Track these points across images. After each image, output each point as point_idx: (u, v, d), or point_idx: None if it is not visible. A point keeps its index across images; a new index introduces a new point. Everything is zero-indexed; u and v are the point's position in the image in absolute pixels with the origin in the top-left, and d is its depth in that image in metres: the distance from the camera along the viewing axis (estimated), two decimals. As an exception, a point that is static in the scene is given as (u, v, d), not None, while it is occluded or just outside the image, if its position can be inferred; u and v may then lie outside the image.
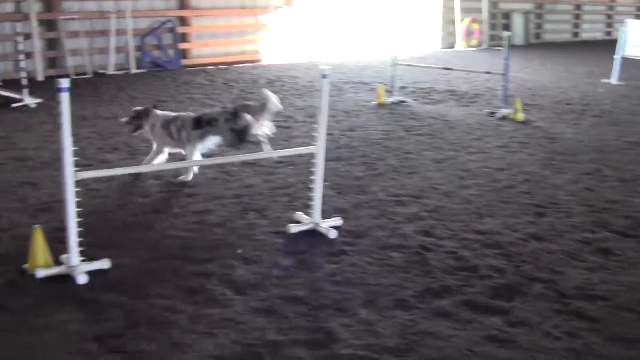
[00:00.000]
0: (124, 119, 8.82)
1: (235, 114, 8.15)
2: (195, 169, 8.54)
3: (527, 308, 5.27)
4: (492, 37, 30.12)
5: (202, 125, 8.22)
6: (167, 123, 8.37)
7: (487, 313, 5.17)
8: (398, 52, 15.78)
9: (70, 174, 5.50)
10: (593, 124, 12.64)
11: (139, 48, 19.38)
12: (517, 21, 31.98)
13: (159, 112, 8.59)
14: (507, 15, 31.83)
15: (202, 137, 8.23)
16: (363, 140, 10.79)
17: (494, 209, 7.58)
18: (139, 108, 8.73)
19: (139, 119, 8.56)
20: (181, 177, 8.39)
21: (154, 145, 8.56)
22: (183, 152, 8.39)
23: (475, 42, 29.48)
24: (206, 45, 21.29)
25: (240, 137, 8.17)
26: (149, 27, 19.75)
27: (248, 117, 8.14)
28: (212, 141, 8.30)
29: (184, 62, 20.33)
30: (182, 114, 8.67)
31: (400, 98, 14.66)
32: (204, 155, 8.36)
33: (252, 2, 22.01)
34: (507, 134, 11.57)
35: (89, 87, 16.04)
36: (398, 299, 5.36)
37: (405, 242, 6.52)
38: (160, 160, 8.46)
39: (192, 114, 8.55)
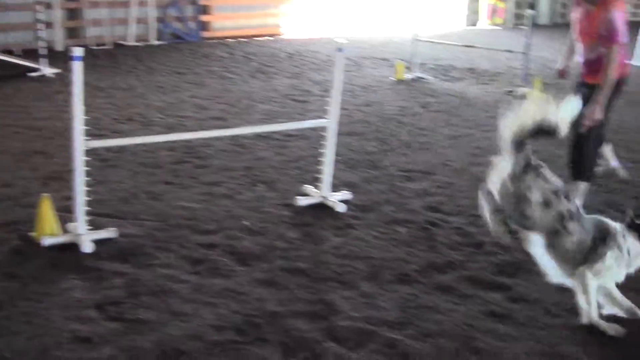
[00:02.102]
0: None
1: None
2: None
3: (529, 285, 5.26)
4: (517, 16, 29.78)
5: None
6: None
7: (488, 289, 5.17)
8: (420, 28, 15.68)
9: (80, 143, 5.51)
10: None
11: (159, 19, 19.34)
12: (543, 0, 31.65)
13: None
14: (532, -6, 31.50)
15: None
16: (378, 115, 10.75)
17: (505, 186, 7.53)
18: None
19: None
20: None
21: None
22: None
23: (499, 21, 29.22)
24: (227, 18, 21.22)
25: None
26: (170, -2, 19.73)
27: None
28: None
29: (205, 34, 20.26)
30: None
31: (419, 75, 14.58)
32: None
33: (275, -24, 21.93)
34: (525, 112, 11.45)
35: (107, 58, 16.04)
36: (401, 273, 5.36)
37: (413, 217, 6.51)
38: None
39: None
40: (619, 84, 6.46)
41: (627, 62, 6.45)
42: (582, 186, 6.68)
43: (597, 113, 6.24)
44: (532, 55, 13.74)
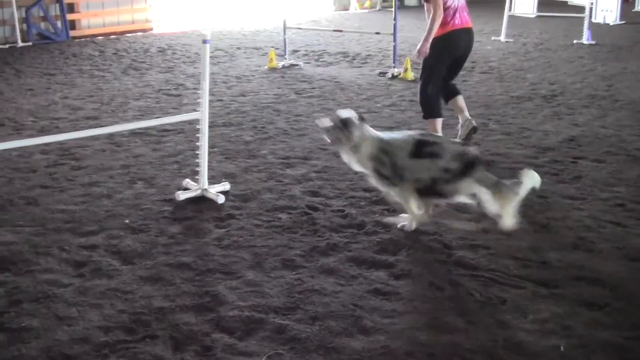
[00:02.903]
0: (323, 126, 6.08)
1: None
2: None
3: (411, 261, 5.41)
4: (385, -2, 30.26)
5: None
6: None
7: (372, 268, 5.28)
8: (290, 16, 15.78)
9: (-55, 152, 5.35)
10: (481, 80, 12.93)
11: (24, 20, 18.79)
12: (410, -19, 32.20)
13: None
14: (399, -24, 31.95)
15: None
16: (254, 104, 10.80)
17: (382, 166, 7.70)
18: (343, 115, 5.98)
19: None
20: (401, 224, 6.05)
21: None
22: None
23: (368, 4, 29.61)
24: (95, 15, 20.80)
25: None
26: (34, -2, 19.17)
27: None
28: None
29: (73, 33, 19.80)
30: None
31: (292, 61, 14.69)
32: None
33: (142, -30, 21.57)
34: (397, 93, 11.74)
35: (-28, 63, 15.53)
36: (285, 259, 5.42)
37: (293, 203, 6.58)
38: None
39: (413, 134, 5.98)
40: (449, 38, 8.11)
41: (450, 21, 8.09)
42: (438, 121, 8.26)
43: (423, 47, 8.08)
44: (401, 36, 13.99)
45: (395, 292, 4.92)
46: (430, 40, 8.03)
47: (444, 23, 8.05)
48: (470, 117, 8.50)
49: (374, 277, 5.14)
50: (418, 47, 8.13)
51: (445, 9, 8.03)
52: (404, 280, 5.09)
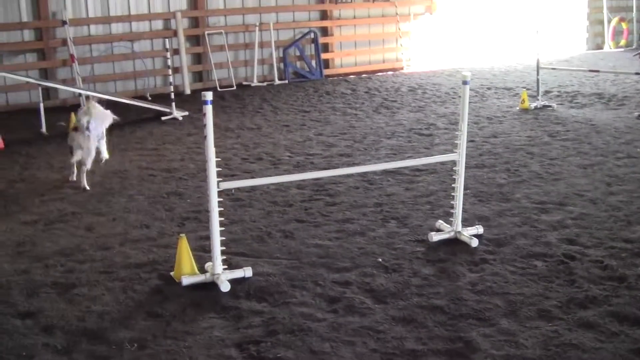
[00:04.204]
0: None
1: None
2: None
3: (679, 320, 5.05)
4: (643, 37, 28.88)
5: None
6: None
7: (635, 325, 4.97)
8: (542, 55, 15.43)
9: (214, 184, 5.66)
10: None
11: (281, 59, 19.68)
12: (670, 19, 30.59)
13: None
14: (658, 14, 30.44)
15: None
16: (506, 146, 10.61)
17: (644, 216, 7.30)
18: None
19: None
20: None
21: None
22: None
23: (624, 42, 28.42)
24: (348, 54, 21.38)
25: None
26: (291, 38, 20.00)
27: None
28: None
29: (326, 72, 20.47)
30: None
31: (545, 103, 14.31)
32: None
33: (393, 10, 21.95)
34: (659, 137, 11.12)
35: (233, 99, 16.41)
36: (541, 309, 5.23)
37: (549, 251, 6.36)
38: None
39: None
40: None
41: None
42: None
43: None
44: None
45: (663, 354, 4.60)
46: None
47: None
48: None
49: (638, 335, 4.84)
50: None
51: None
52: (672, 342, 4.76)
